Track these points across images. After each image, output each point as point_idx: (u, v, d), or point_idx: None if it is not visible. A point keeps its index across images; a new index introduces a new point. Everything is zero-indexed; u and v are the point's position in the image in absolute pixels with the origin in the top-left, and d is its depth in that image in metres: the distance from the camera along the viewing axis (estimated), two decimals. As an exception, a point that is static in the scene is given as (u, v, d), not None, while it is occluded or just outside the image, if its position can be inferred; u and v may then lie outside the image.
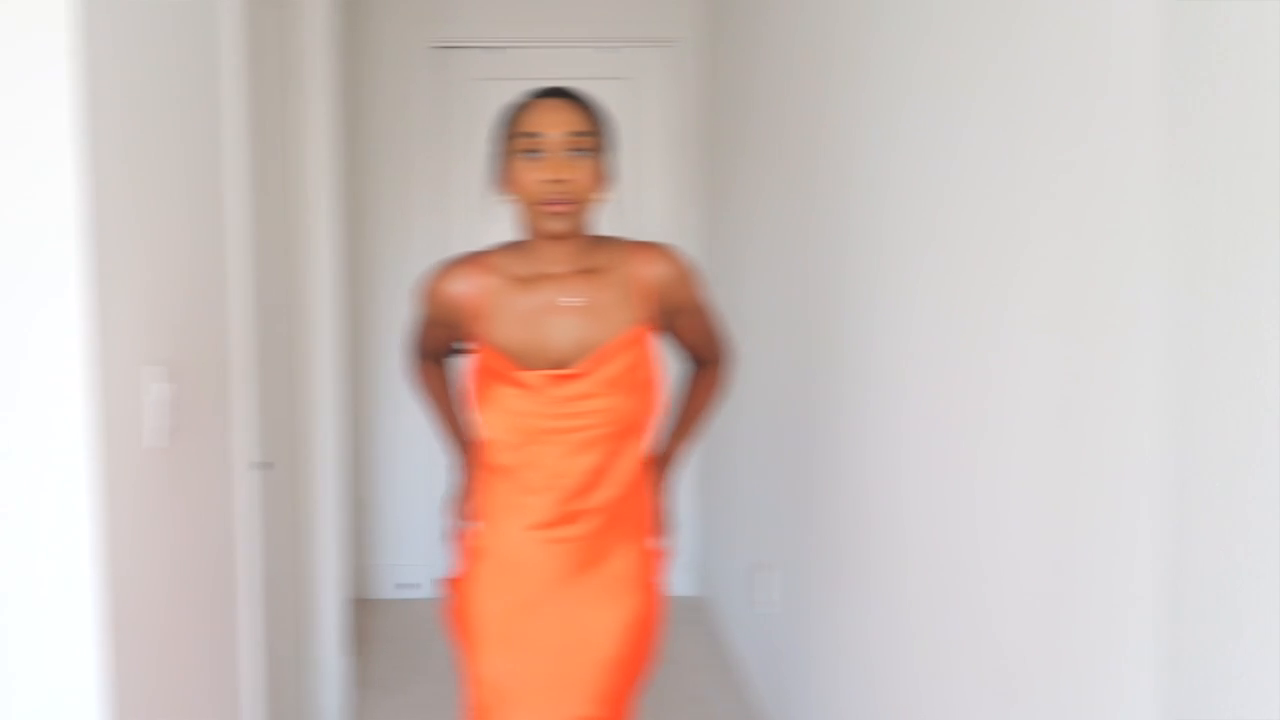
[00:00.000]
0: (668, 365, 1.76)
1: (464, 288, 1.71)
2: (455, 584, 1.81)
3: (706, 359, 1.88)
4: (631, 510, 1.76)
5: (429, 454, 3.95)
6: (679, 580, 4.15)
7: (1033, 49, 1.32)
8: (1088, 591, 1.20)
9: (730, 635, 3.36)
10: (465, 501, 1.84)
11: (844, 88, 2.15)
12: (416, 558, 4.01)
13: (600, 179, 1.64)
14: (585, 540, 1.72)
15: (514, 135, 1.61)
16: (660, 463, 1.87)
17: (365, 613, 3.82)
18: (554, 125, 1.58)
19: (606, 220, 1.73)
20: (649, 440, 1.76)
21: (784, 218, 2.69)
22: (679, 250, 1.76)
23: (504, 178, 1.65)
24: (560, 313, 1.66)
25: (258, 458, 1.99)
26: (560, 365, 1.66)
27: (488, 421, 1.69)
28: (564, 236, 1.63)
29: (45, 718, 1.25)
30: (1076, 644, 1.23)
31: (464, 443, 1.91)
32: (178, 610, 1.57)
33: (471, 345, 1.72)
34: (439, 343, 1.84)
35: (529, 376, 1.65)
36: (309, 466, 2.79)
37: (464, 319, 1.72)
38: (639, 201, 3.96)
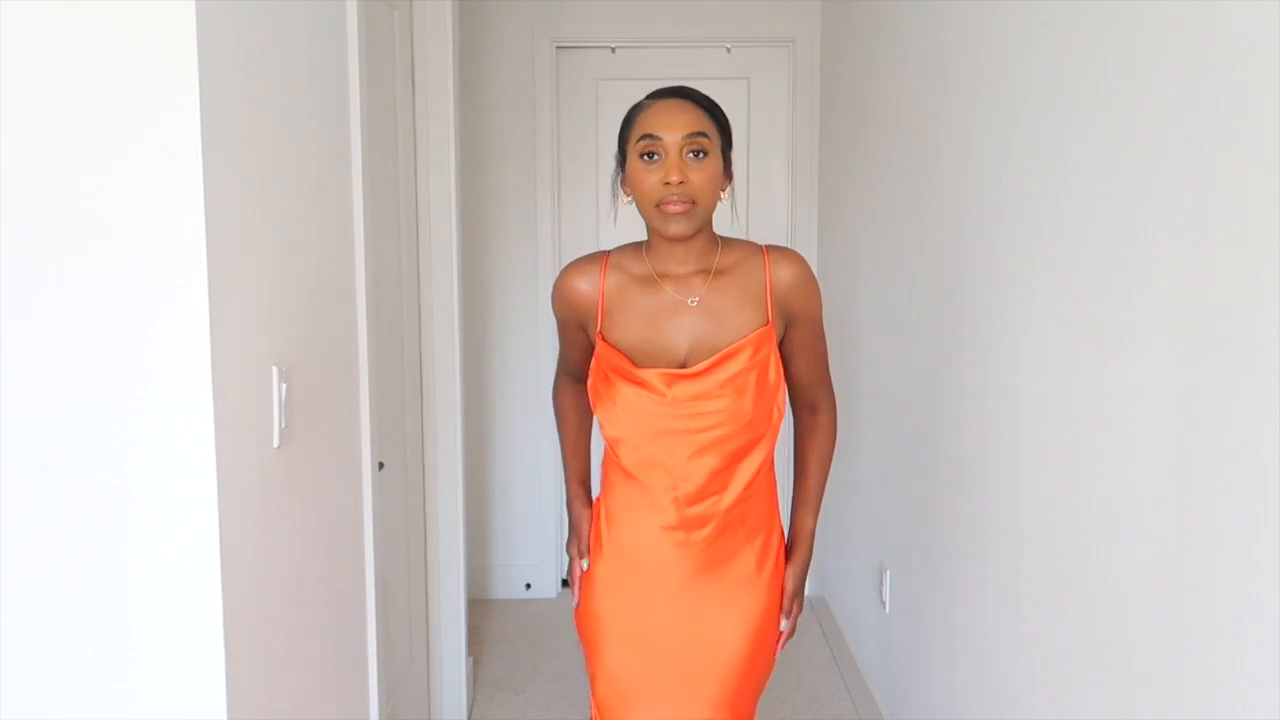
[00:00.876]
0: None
1: (585, 286, 1.71)
2: (581, 583, 1.82)
3: (811, 400, 1.81)
4: (754, 513, 1.74)
5: (547, 455, 3.98)
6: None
7: (1152, 49, 1.30)
8: (1210, 593, 1.18)
9: (850, 635, 3.31)
10: (577, 539, 1.84)
11: (961, 89, 2.13)
12: (535, 558, 4.04)
13: (718, 179, 1.62)
14: (707, 543, 1.70)
15: (634, 138, 1.61)
16: (795, 542, 1.82)
17: (484, 613, 3.86)
18: (672, 127, 1.57)
19: (720, 221, 1.69)
20: (771, 443, 1.72)
21: (900, 218, 2.66)
22: (807, 262, 1.73)
23: (626, 179, 1.66)
24: (680, 313, 1.66)
25: (377, 458, 2.01)
26: (681, 366, 1.65)
27: (609, 419, 1.69)
28: (684, 237, 1.62)
29: (172, 710, 1.27)
30: (1199, 646, 1.20)
31: (581, 480, 1.91)
32: (302, 608, 1.58)
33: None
34: (576, 348, 1.81)
35: (648, 375, 1.64)
36: (427, 466, 2.81)
37: (588, 318, 1.72)
38: (753, 202, 3.92)
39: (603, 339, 1.69)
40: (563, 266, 1.79)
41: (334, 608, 1.76)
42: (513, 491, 4.01)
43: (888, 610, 2.77)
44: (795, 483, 1.86)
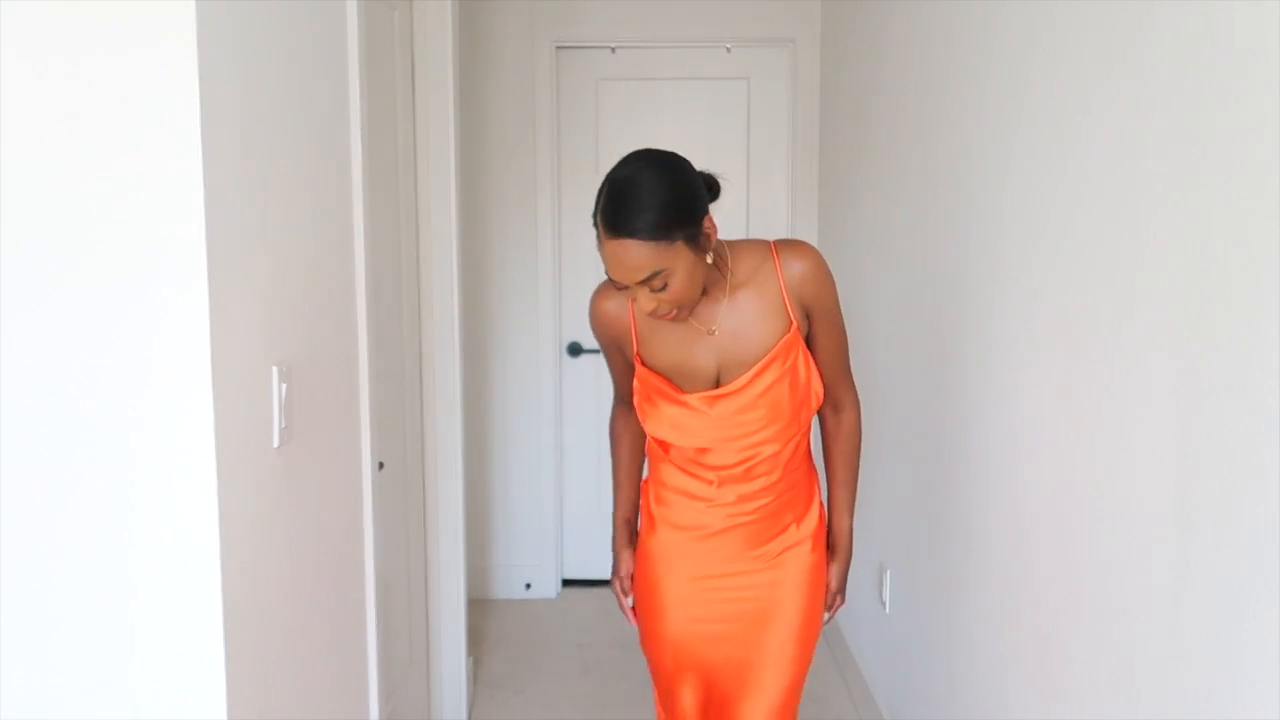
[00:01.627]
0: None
1: (616, 310, 1.77)
2: (637, 557, 1.91)
3: (835, 399, 1.84)
4: (797, 487, 1.82)
5: (547, 454, 3.98)
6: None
7: (1153, 49, 1.30)
8: (1210, 593, 1.18)
9: (850, 635, 3.31)
10: (619, 579, 1.94)
11: (961, 88, 2.13)
12: (535, 558, 4.04)
13: (692, 276, 1.58)
14: (757, 519, 1.78)
15: (600, 248, 1.59)
16: (836, 543, 1.90)
17: (484, 613, 3.86)
18: (627, 275, 1.56)
19: (723, 220, 1.69)
20: (810, 419, 1.81)
21: (901, 218, 2.66)
22: (817, 251, 1.74)
23: None
24: (704, 338, 1.71)
25: (376, 458, 2.01)
26: (715, 382, 1.72)
27: (657, 431, 1.77)
28: (685, 319, 1.68)
29: (172, 710, 1.27)
30: (1199, 646, 1.20)
31: (627, 519, 1.96)
32: (301, 608, 1.58)
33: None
34: (619, 370, 1.88)
35: (689, 399, 1.72)
36: (427, 466, 2.81)
37: (624, 341, 1.79)
38: (754, 202, 3.92)
39: (641, 362, 1.76)
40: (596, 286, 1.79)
41: (334, 608, 1.76)
42: (513, 492, 4.01)
43: (888, 610, 2.77)
44: (829, 486, 1.91)
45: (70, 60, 1.17)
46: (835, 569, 1.89)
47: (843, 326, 1.79)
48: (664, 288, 1.56)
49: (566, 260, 3.98)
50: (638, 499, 1.95)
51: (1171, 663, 1.26)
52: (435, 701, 2.92)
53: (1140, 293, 1.33)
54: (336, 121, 1.78)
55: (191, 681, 1.26)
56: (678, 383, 1.73)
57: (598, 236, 1.59)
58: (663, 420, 1.74)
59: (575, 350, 3.98)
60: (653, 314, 1.61)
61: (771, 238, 1.76)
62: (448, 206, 2.74)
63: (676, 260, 1.55)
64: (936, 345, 2.30)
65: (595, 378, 3.94)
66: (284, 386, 1.45)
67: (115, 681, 1.26)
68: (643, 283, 1.56)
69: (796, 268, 1.69)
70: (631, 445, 1.97)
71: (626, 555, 1.92)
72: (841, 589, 1.91)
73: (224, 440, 1.25)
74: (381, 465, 2.17)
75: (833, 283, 1.73)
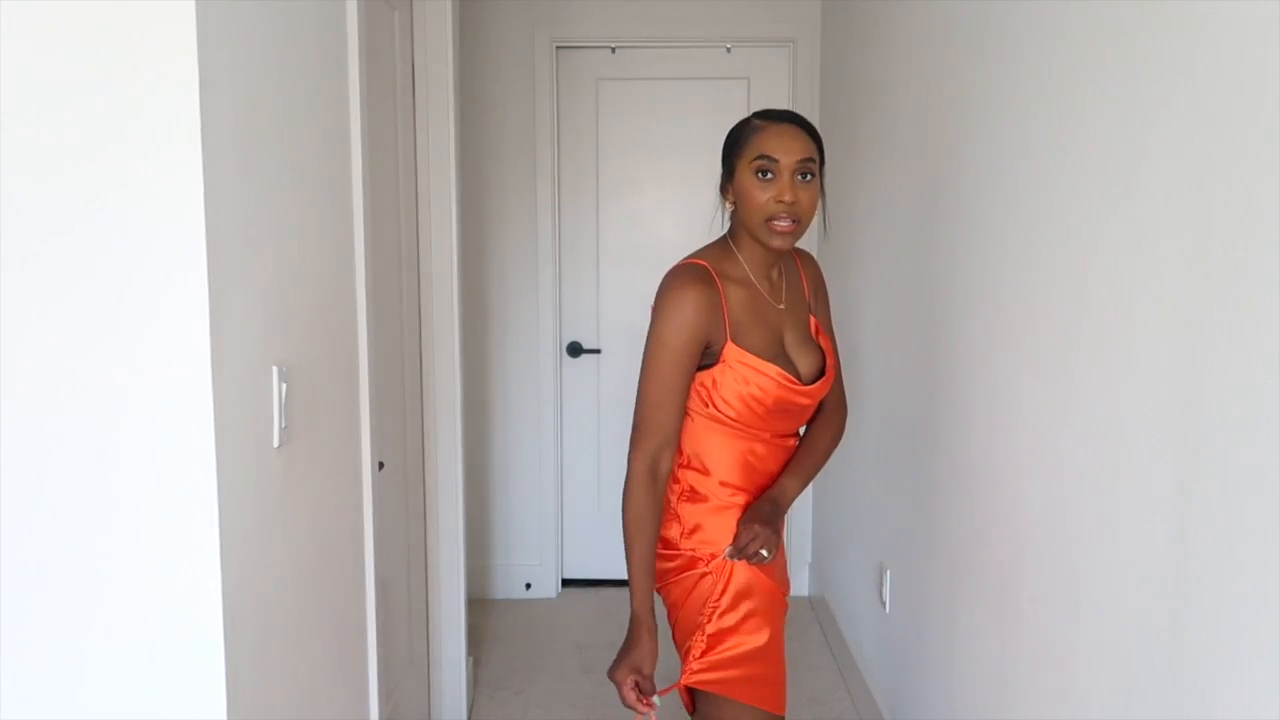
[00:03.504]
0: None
1: (713, 295, 1.70)
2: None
3: (837, 399, 1.94)
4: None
5: (547, 454, 3.98)
6: (797, 580, 4.09)
7: (1153, 47, 1.30)
8: (1210, 593, 1.18)
9: (850, 635, 3.31)
10: (634, 669, 1.72)
11: (961, 88, 2.13)
12: (535, 558, 4.04)
13: (818, 201, 1.74)
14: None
15: (749, 155, 1.70)
16: (778, 494, 1.80)
17: (484, 613, 3.86)
18: (788, 151, 1.68)
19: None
20: None
21: (900, 218, 2.67)
22: None
23: (735, 190, 1.73)
24: (776, 311, 1.79)
25: (376, 458, 2.01)
26: (786, 361, 1.77)
27: (746, 418, 1.74)
28: (784, 251, 1.75)
29: (172, 710, 1.27)
30: (1199, 646, 1.20)
31: (647, 598, 1.73)
32: (301, 608, 1.58)
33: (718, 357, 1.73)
34: (688, 385, 1.72)
35: (797, 386, 1.75)
36: (427, 466, 2.81)
37: (716, 330, 1.70)
38: (745, 195, 3.92)
39: (734, 343, 1.70)
40: (672, 278, 1.72)
41: (334, 608, 1.76)
42: (513, 492, 4.01)
43: (888, 610, 2.77)
44: (798, 455, 1.85)
45: (69, 60, 1.17)
46: (764, 508, 1.76)
47: (834, 336, 1.95)
48: (810, 177, 1.70)
49: (566, 260, 3.98)
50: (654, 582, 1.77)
51: (1171, 663, 1.26)
52: (435, 701, 2.92)
53: (1141, 292, 1.33)
54: (336, 122, 1.78)
55: (191, 681, 1.26)
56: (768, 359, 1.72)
57: (740, 152, 1.71)
58: (754, 403, 1.70)
59: (575, 350, 3.98)
60: (781, 210, 1.66)
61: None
62: (448, 206, 2.74)
63: (818, 174, 1.73)
64: (936, 345, 2.30)
65: (595, 378, 3.95)
66: (284, 386, 1.45)
67: (115, 681, 1.25)
68: (801, 162, 1.68)
69: (812, 265, 1.93)
70: (656, 518, 1.73)
71: (651, 645, 1.72)
72: (769, 527, 1.75)
73: (224, 440, 1.25)
74: (381, 465, 2.17)
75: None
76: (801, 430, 1.90)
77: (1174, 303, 1.25)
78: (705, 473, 1.77)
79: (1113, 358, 1.41)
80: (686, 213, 3.75)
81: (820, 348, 1.85)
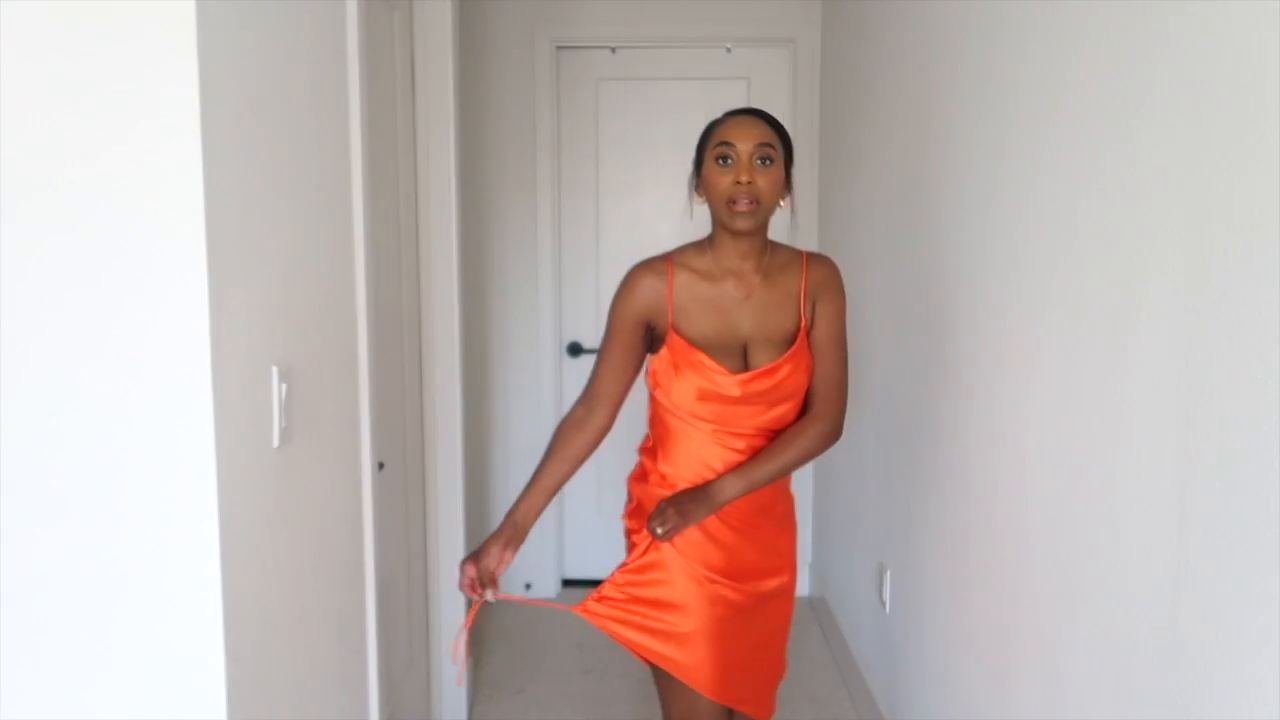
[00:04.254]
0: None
1: (657, 282, 1.87)
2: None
3: (817, 409, 1.90)
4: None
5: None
6: (798, 580, 4.09)
7: (1152, 44, 1.30)
8: (1211, 590, 1.17)
9: (850, 635, 3.31)
10: (475, 555, 1.91)
11: (961, 87, 2.13)
12: (535, 558, 4.03)
13: (780, 187, 1.83)
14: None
15: (712, 145, 1.83)
16: (705, 492, 1.86)
17: (484, 613, 3.85)
18: (745, 137, 1.79)
19: (778, 230, 1.85)
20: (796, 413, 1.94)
21: (901, 217, 2.67)
22: (838, 269, 1.95)
23: (701, 181, 1.86)
24: (739, 305, 1.87)
25: (376, 458, 2.01)
26: (742, 352, 1.86)
27: (681, 401, 1.86)
28: (747, 232, 1.82)
29: (172, 710, 1.27)
30: (1199, 646, 1.20)
31: (524, 516, 1.95)
32: (301, 608, 1.58)
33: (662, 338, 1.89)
34: (624, 350, 1.90)
35: (723, 380, 1.83)
36: (427, 466, 2.81)
37: (658, 312, 1.87)
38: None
39: (675, 331, 1.85)
40: (631, 268, 1.90)
41: (334, 608, 1.76)
42: (513, 492, 3.97)
43: (888, 610, 2.77)
44: (757, 454, 1.89)
45: (69, 60, 1.17)
46: (687, 494, 1.87)
47: (842, 347, 1.92)
48: (769, 161, 1.79)
49: (566, 260, 3.98)
50: (542, 506, 1.97)
51: (1171, 663, 1.26)
52: (435, 701, 2.92)
53: (1141, 292, 1.33)
54: (336, 121, 1.78)
55: (191, 681, 1.26)
56: (708, 349, 1.83)
57: (704, 144, 1.84)
58: (689, 390, 1.83)
59: (575, 350, 3.98)
60: (740, 191, 1.77)
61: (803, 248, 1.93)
62: (448, 206, 2.74)
63: (778, 161, 1.81)
64: (937, 344, 2.30)
65: (595, 378, 3.92)
66: (284, 386, 1.45)
67: (115, 681, 1.26)
68: (759, 146, 1.78)
69: (820, 271, 1.91)
70: (572, 456, 1.98)
71: (494, 549, 1.89)
72: (677, 510, 1.85)
73: (224, 440, 1.25)
74: (381, 465, 2.17)
75: (843, 297, 1.93)
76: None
77: (1175, 302, 1.25)
78: (654, 457, 1.96)
79: (1113, 357, 1.41)
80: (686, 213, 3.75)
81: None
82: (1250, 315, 1.09)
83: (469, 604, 1.83)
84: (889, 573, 2.76)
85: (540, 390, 3.93)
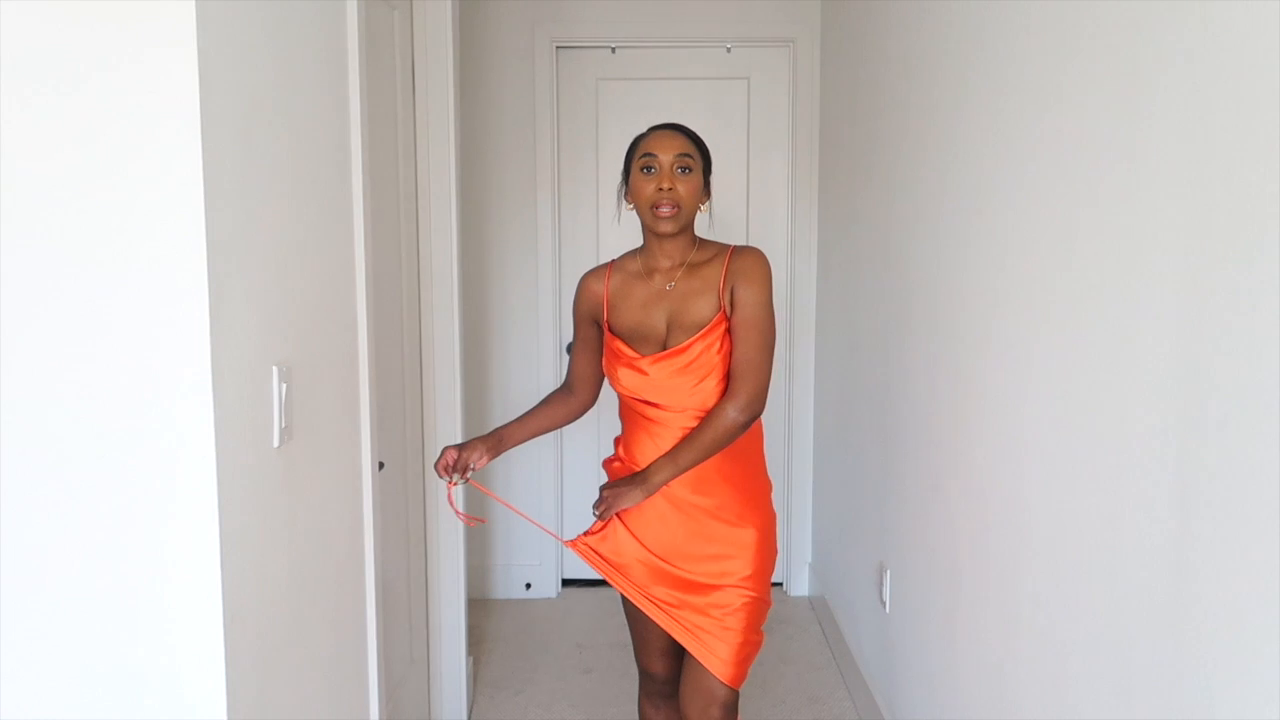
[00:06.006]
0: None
1: (595, 285, 2.15)
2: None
3: (732, 389, 1.98)
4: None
5: (548, 454, 3.98)
6: (797, 580, 4.09)
7: (1153, 45, 1.30)
8: (1210, 593, 1.18)
9: (850, 635, 3.30)
10: (458, 444, 2.12)
11: (961, 87, 2.13)
12: (535, 558, 4.04)
13: (699, 193, 2.04)
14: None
15: (637, 156, 2.03)
16: (642, 475, 2.00)
17: (484, 613, 3.86)
18: (666, 149, 2.00)
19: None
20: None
21: (901, 217, 2.66)
22: (765, 257, 2.05)
23: (629, 190, 2.06)
24: (661, 298, 2.05)
25: (376, 458, 2.01)
26: (663, 343, 2.04)
27: (618, 386, 2.08)
28: (670, 234, 2.01)
29: (172, 710, 1.27)
30: (1199, 646, 1.20)
31: (510, 432, 2.18)
32: (302, 608, 1.58)
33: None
34: (586, 347, 2.20)
35: (639, 362, 2.03)
36: (428, 466, 2.81)
37: (598, 312, 2.14)
38: (754, 201, 3.92)
39: (608, 328, 2.10)
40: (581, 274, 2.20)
41: (334, 608, 1.76)
42: (513, 492, 4.01)
43: (888, 610, 2.77)
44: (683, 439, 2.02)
45: (69, 60, 1.17)
46: (625, 478, 2.02)
47: (761, 332, 1.98)
48: (688, 170, 1.99)
49: (566, 260, 3.97)
50: (522, 437, 2.20)
51: (1171, 663, 1.26)
52: (435, 701, 2.92)
53: (1141, 292, 1.33)
54: (336, 121, 1.78)
55: (191, 681, 1.26)
56: (635, 345, 2.05)
57: (630, 156, 2.05)
58: (617, 374, 2.05)
59: (575, 350, 3.98)
60: (662, 197, 1.97)
61: (767, 237, 1.93)
62: (448, 206, 2.74)
63: (697, 169, 2.01)
64: (937, 344, 2.30)
65: (595, 378, 3.93)
66: (284, 386, 1.45)
67: (115, 681, 1.26)
68: (678, 157, 1.98)
69: (740, 261, 2.03)
70: (553, 411, 2.25)
71: (479, 446, 2.09)
72: (613, 493, 2.00)
73: (224, 440, 1.25)
74: (381, 465, 2.17)
75: (764, 282, 2.01)
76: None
77: (1175, 301, 1.25)
78: (620, 443, 2.16)
79: (1113, 357, 1.41)
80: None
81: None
82: (1250, 315, 1.09)
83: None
84: (889, 573, 2.76)
85: (540, 390, 3.92)
